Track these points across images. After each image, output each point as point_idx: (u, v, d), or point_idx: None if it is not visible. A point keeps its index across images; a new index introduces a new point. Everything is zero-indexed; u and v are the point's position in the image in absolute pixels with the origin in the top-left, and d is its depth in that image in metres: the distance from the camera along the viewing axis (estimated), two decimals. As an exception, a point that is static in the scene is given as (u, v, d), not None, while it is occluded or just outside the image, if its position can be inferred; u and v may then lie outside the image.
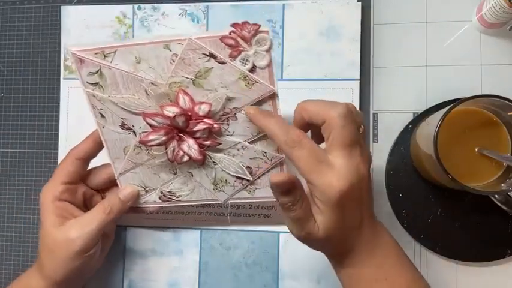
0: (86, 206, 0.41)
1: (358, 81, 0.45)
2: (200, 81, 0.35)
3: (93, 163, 0.42)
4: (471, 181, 0.37)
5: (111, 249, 0.47)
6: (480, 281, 0.43)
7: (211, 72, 0.34)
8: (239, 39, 0.33)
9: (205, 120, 0.36)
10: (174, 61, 0.34)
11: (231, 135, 0.37)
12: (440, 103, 0.43)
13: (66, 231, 0.37)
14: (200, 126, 0.36)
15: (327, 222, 0.31)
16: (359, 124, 0.33)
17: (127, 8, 0.48)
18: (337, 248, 0.34)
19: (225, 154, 0.38)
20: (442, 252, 0.43)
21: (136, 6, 0.48)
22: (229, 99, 0.35)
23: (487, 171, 0.38)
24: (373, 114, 0.45)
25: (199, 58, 0.34)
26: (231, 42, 0.33)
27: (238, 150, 0.38)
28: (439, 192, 0.44)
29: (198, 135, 0.36)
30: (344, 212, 0.31)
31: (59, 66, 0.50)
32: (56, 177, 0.39)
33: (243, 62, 0.34)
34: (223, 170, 0.38)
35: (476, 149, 0.38)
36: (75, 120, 0.48)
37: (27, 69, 0.50)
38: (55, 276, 0.38)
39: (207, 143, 0.36)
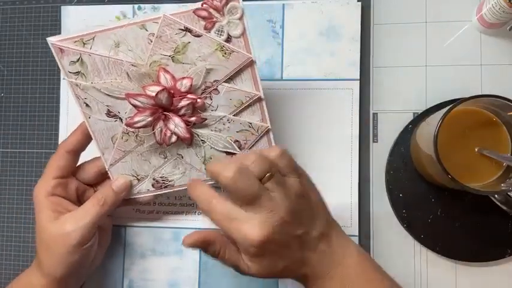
0: (79, 201, 0.41)
1: (358, 81, 0.45)
2: (179, 57, 0.35)
3: (84, 159, 0.42)
4: (471, 181, 0.37)
5: (111, 248, 0.47)
6: (480, 281, 0.43)
7: (189, 47, 0.35)
8: (211, 10, 0.34)
9: (188, 95, 0.36)
10: (151, 41, 0.35)
11: (215, 109, 0.37)
12: (440, 103, 0.43)
13: (62, 225, 0.37)
14: (184, 102, 0.36)
15: (257, 267, 0.34)
16: (263, 172, 0.33)
17: (127, 8, 0.48)
18: (288, 277, 0.35)
19: (211, 130, 0.38)
20: (442, 252, 0.43)
21: (136, 6, 0.48)
22: (208, 72, 0.35)
23: (487, 171, 0.38)
24: (373, 114, 0.45)
25: (176, 34, 0.34)
26: (204, 14, 0.34)
27: (224, 124, 0.38)
28: (439, 192, 0.44)
29: (182, 112, 0.36)
30: (271, 256, 0.33)
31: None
32: (47, 172, 0.39)
33: (218, 33, 0.34)
34: (212, 148, 0.38)
35: (476, 149, 0.38)
36: (75, 120, 0.48)
37: (27, 69, 0.50)
38: (54, 273, 0.38)
39: (193, 119, 0.37)
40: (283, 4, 0.46)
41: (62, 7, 0.49)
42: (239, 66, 0.35)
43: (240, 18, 0.34)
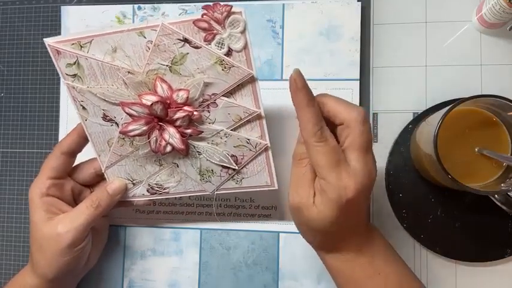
0: (75, 202, 0.41)
1: (358, 81, 0.45)
2: (176, 67, 0.34)
3: (81, 159, 0.42)
4: (471, 181, 0.37)
5: (111, 249, 0.47)
6: (480, 281, 0.43)
7: (187, 58, 0.34)
8: (212, 22, 0.33)
9: (185, 107, 0.35)
10: (149, 48, 0.34)
11: (213, 122, 0.36)
12: (440, 103, 0.44)
13: (55, 226, 0.37)
14: (180, 114, 0.35)
15: (328, 215, 0.32)
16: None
17: (127, 8, 0.48)
18: (328, 241, 0.34)
19: (208, 143, 0.37)
20: (442, 252, 0.43)
21: (136, 6, 0.48)
22: (207, 85, 0.35)
23: (487, 171, 0.38)
24: (373, 114, 0.45)
25: (174, 44, 0.33)
26: (205, 25, 0.33)
27: (221, 138, 0.37)
28: (439, 192, 0.44)
29: (178, 123, 0.35)
30: (347, 214, 0.32)
31: (59, 66, 0.50)
32: (42, 172, 0.39)
33: (218, 46, 0.33)
34: (208, 160, 0.38)
35: (476, 149, 0.38)
36: (75, 121, 0.48)
37: (27, 69, 0.50)
38: (47, 273, 0.38)
39: (188, 131, 0.36)
40: (283, 4, 0.46)
41: (62, 7, 0.49)
42: (239, 81, 0.34)
43: (242, 32, 0.33)
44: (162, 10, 0.48)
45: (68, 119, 0.49)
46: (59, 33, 0.49)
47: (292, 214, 0.35)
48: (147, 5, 0.48)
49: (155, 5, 0.48)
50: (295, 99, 0.33)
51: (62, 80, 0.35)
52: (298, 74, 0.32)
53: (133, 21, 0.48)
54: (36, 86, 0.50)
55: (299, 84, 0.32)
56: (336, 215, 0.31)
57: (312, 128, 0.32)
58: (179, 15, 0.48)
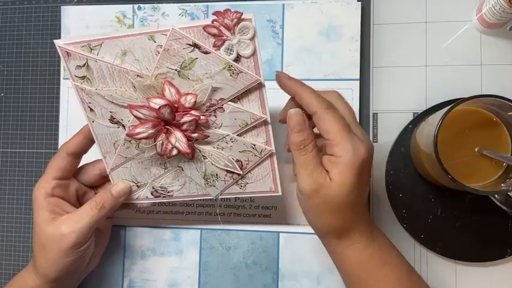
0: (79, 203, 0.41)
1: (358, 81, 0.45)
2: (185, 72, 0.34)
3: (86, 160, 0.42)
4: (471, 181, 0.37)
5: (111, 249, 0.47)
6: (480, 281, 0.43)
7: (196, 63, 0.34)
8: (222, 28, 0.33)
9: (192, 112, 0.35)
10: (159, 52, 0.34)
11: (219, 127, 0.37)
12: (440, 103, 0.44)
13: (58, 227, 0.37)
14: (186, 118, 0.35)
15: (347, 182, 0.32)
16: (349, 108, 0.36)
17: (127, 8, 0.48)
18: (344, 221, 0.34)
19: (214, 147, 0.37)
20: (442, 252, 0.43)
21: (136, 6, 0.48)
22: (214, 89, 0.35)
23: (487, 171, 0.38)
24: (373, 114, 0.45)
25: (183, 48, 0.34)
26: (214, 31, 0.33)
27: (227, 143, 0.37)
28: (439, 192, 0.44)
29: (185, 127, 0.36)
30: (361, 180, 0.33)
31: (59, 66, 0.50)
32: (47, 173, 0.39)
33: (227, 52, 0.34)
34: (213, 164, 0.38)
35: (476, 149, 0.38)
36: (75, 120, 0.48)
37: (27, 69, 0.50)
38: (49, 273, 0.38)
39: (195, 135, 0.36)
40: (283, 4, 0.46)
41: (62, 7, 0.49)
42: (247, 87, 0.35)
43: (252, 38, 0.33)
44: (162, 10, 0.48)
45: (68, 119, 0.49)
46: (59, 33, 0.50)
47: (305, 202, 0.34)
48: (147, 5, 0.48)
49: (155, 5, 0.48)
50: (289, 85, 0.35)
51: (71, 81, 0.35)
52: (281, 71, 0.36)
53: (133, 21, 0.48)
54: (36, 86, 0.50)
55: (286, 75, 0.35)
56: (354, 179, 0.32)
57: (316, 99, 0.33)
58: (179, 15, 0.48)
